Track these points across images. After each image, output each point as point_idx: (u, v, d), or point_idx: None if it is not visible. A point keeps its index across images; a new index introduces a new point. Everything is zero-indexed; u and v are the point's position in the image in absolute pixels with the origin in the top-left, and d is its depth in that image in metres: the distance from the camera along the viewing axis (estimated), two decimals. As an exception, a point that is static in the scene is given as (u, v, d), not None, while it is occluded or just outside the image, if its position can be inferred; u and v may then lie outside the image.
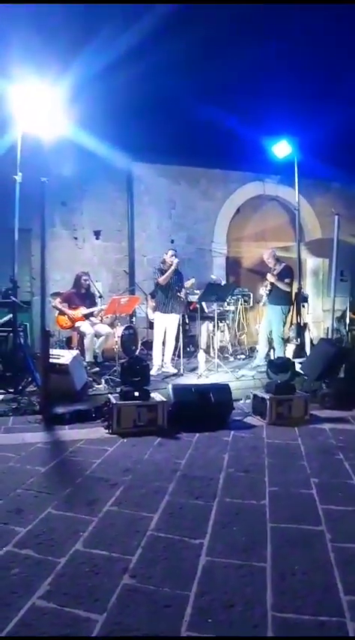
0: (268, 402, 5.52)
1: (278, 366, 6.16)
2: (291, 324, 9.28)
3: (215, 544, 2.84)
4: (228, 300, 9.84)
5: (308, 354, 8.12)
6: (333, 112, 9.17)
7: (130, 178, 11.13)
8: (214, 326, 8.79)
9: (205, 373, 7.78)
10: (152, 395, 5.41)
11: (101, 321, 8.41)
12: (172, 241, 11.30)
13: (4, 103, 6.88)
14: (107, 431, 5.13)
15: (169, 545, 2.83)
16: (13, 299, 6.91)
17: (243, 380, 7.60)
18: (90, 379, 7.07)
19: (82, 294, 8.37)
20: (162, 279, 7.97)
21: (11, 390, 6.54)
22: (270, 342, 8.83)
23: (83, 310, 8.18)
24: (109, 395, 5.68)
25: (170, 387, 5.68)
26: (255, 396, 5.89)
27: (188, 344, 9.69)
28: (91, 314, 8.28)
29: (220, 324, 9.64)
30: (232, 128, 9.53)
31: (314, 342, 8.93)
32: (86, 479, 3.86)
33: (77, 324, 8.09)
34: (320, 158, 10.41)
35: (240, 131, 9.59)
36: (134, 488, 3.65)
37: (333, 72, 9.67)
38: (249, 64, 8.72)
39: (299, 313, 9.05)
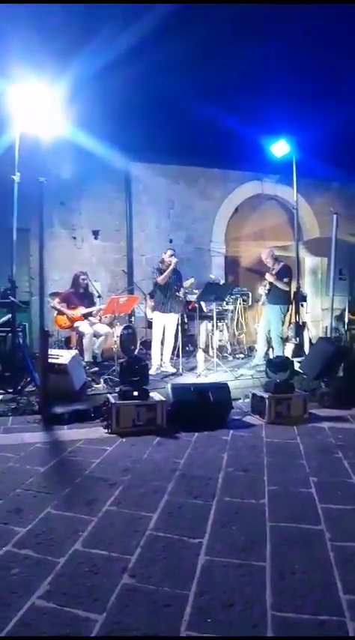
0: (267, 401, 5.52)
1: (277, 365, 6.17)
2: (290, 323, 9.29)
3: (214, 543, 2.84)
4: (226, 299, 9.83)
5: (307, 353, 8.13)
6: (332, 112, 9.17)
7: (128, 178, 11.12)
8: (213, 325, 8.79)
9: (204, 372, 7.78)
10: (151, 394, 5.41)
11: (100, 320, 8.40)
12: (171, 241, 11.30)
13: (2, 103, 6.88)
14: (106, 430, 5.13)
15: (168, 544, 2.83)
16: (12, 299, 6.90)
17: (241, 379, 7.60)
18: (89, 379, 7.07)
19: (80, 294, 8.36)
20: (160, 279, 7.97)
21: (10, 390, 6.54)
22: (269, 341, 8.84)
23: (82, 310, 8.17)
24: (108, 395, 5.69)
25: (169, 386, 5.68)
26: (253, 395, 5.90)
27: (187, 343, 9.69)
28: (90, 314, 8.27)
29: (219, 324, 9.64)
30: (231, 128, 9.53)
31: (313, 341, 8.93)
32: (85, 478, 3.86)
33: (76, 323, 8.08)
34: (318, 157, 10.42)
35: (238, 131, 9.59)
36: (133, 488, 3.65)
37: (332, 72, 9.68)
38: (248, 64, 8.72)
39: (297, 312, 9.06)
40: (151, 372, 7.31)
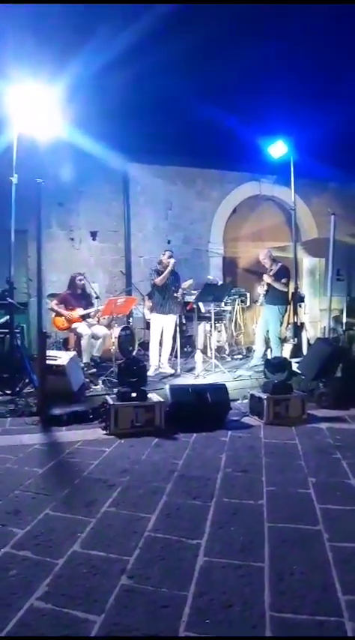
0: (265, 401, 5.52)
1: (275, 365, 6.18)
2: (288, 323, 9.30)
3: (213, 544, 2.84)
4: (224, 300, 9.84)
5: (305, 353, 8.14)
6: (329, 112, 9.18)
7: (126, 179, 11.12)
8: (211, 326, 8.79)
9: (202, 373, 7.78)
10: (149, 395, 5.41)
11: (98, 322, 8.40)
12: (169, 242, 11.30)
13: (-1, 103, 6.89)
14: (104, 432, 5.13)
15: (167, 545, 2.83)
16: (10, 300, 6.90)
17: (240, 380, 7.61)
18: (88, 380, 7.07)
19: (78, 295, 8.36)
20: (158, 280, 7.97)
21: (8, 392, 6.54)
22: (267, 341, 8.84)
23: (80, 311, 8.17)
24: (106, 396, 5.68)
25: (167, 387, 5.68)
26: (252, 395, 5.90)
27: (185, 344, 9.69)
28: (88, 315, 8.27)
29: (217, 325, 9.64)
30: (228, 128, 9.53)
31: (311, 341, 8.94)
32: (84, 480, 3.86)
33: (74, 325, 8.08)
34: (316, 158, 10.42)
35: (236, 131, 9.59)
36: (132, 489, 3.65)
37: (330, 72, 9.69)
38: (246, 65, 8.73)
39: (295, 313, 9.07)
40: (149, 373, 7.31)
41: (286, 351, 8.57)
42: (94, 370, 7.81)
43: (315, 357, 6.69)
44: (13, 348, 6.83)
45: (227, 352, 9.99)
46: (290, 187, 9.47)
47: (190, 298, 9.37)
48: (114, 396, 5.41)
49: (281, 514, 3.22)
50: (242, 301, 10.91)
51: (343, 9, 8.19)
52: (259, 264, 9.35)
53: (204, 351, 8.72)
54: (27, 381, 6.73)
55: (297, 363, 7.05)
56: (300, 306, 9.73)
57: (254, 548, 2.80)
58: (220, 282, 10.87)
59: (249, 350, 9.93)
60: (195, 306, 9.09)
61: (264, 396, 5.61)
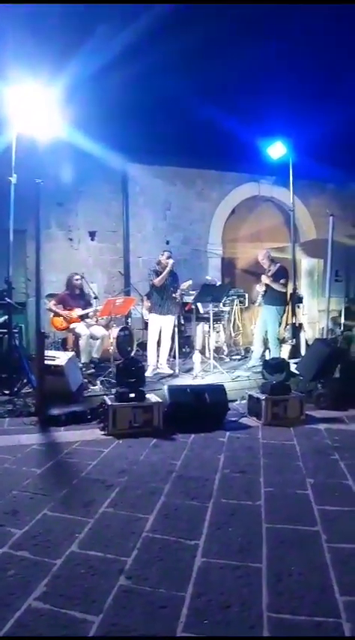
0: (263, 402, 5.53)
1: (273, 366, 6.19)
2: (286, 324, 9.30)
3: (211, 545, 2.84)
4: (223, 300, 9.84)
5: (303, 354, 8.15)
6: (328, 113, 9.18)
7: (125, 179, 11.11)
8: (209, 327, 8.79)
9: (201, 374, 7.78)
10: (147, 396, 5.41)
11: (96, 322, 8.40)
12: (167, 242, 11.29)
13: (-2, 103, 6.88)
14: (103, 432, 5.13)
15: (165, 546, 2.83)
16: (8, 300, 6.90)
17: (238, 380, 7.61)
18: (86, 380, 7.06)
19: (76, 295, 8.36)
20: (157, 281, 7.97)
21: (6, 392, 6.54)
22: (266, 342, 8.84)
23: (78, 311, 8.17)
24: (105, 396, 5.68)
25: (165, 387, 5.68)
26: (250, 396, 5.90)
27: (183, 345, 9.69)
28: (86, 315, 8.26)
29: (215, 325, 9.64)
30: (227, 129, 9.53)
31: (309, 342, 8.95)
32: (82, 480, 3.86)
33: (72, 325, 8.08)
34: (315, 159, 10.43)
35: (235, 132, 9.59)
36: (130, 490, 3.65)
37: (329, 73, 9.69)
38: (245, 65, 8.72)
39: (294, 314, 9.07)
40: (147, 373, 7.31)
41: (284, 351, 8.58)
42: (93, 370, 7.81)
43: (313, 358, 6.69)
44: (11, 348, 6.83)
45: (225, 353, 9.99)
46: (288, 188, 9.47)
47: (189, 299, 9.37)
48: (113, 396, 5.41)
49: (279, 515, 3.22)
50: (240, 302, 10.91)
51: (343, 9, 8.19)
52: (258, 265, 9.35)
53: (202, 352, 8.72)
54: (25, 381, 6.73)
55: (295, 363, 7.05)
56: (299, 306, 9.74)
57: (252, 549, 2.80)
58: (219, 283, 10.87)
59: (248, 351, 9.94)
60: (193, 306, 9.09)
61: (262, 396, 5.61)
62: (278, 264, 8.73)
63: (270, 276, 8.52)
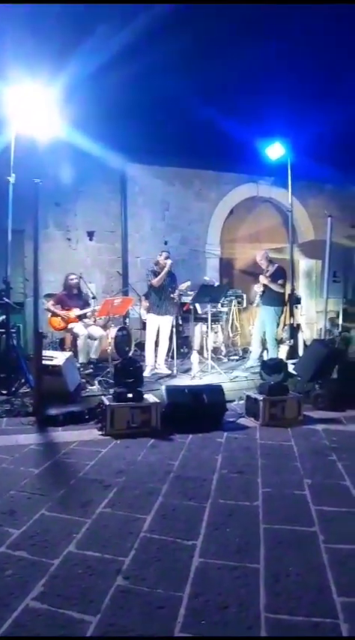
0: (261, 403, 5.53)
1: (271, 367, 6.19)
2: (284, 325, 9.31)
3: (208, 545, 2.84)
4: (221, 301, 9.84)
5: (301, 355, 8.15)
6: (327, 114, 9.19)
7: (124, 179, 11.12)
8: (208, 327, 8.79)
9: (199, 374, 7.78)
10: (145, 396, 5.41)
11: (94, 322, 8.39)
12: (166, 242, 11.29)
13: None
14: (100, 432, 5.13)
15: (162, 546, 2.83)
16: (6, 300, 6.89)
17: (236, 381, 7.61)
18: (84, 380, 7.06)
19: (74, 295, 8.36)
20: (155, 281, 7.97)
21: (4, 392, 6.53)
22: (264, 343, 8.84)
23: (76, 312, 8.16)
24: (103, 396, 5.67)
25: (163, 388, 5.68)
26: (248, 397, 5.90)
27: (181, 345, 9.69)
28: (84, 315, 8.26)
29: (213, 326, 9.64)
30: (226, 130, 9.53)
31: (307, 343, 8.96)
32: (79, 480, 3.86)
33: (70, 325, 8.08)
34: (313, 160, 10.44)
35: (233, 132, 9.59)
36: (127, 490, 3.65)
37: (327, 74, 9.70)
38: (244, 66, 8.73)
39: (292, 314, 9.08)
40: (145, 373, 7.30)
41: (282, 352, 8.59)
42: (91, 370, 7.80)
43: (311, 359, 6.70)
44: (9, 348, 6.82)
45: (223, 353, 9.99)
46: (287, 189, 9.49)
47: (187, 299, 9.37)
48: (111, 396, 5.41)
49: (276, 515, 3.23)
50: (238, 302, 10.91)
51: (342, 9, 8.19)
52: (256, 266, 9.36)
53: (200, 352, 8.73)
54: (23, 381, 6.73)
55: (293, 364, 7.07)
56: (296, 307, 9.74)
57: (249, 549, 2.80)
58: (217, 284, 10.87)
59: (246, 351, 9.93)
60: (191, 307, 9.09)
61: (260, 397, 5.62)
62: (277, 265, 8.73)
63: (268, 276, 8.52)
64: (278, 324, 8.72)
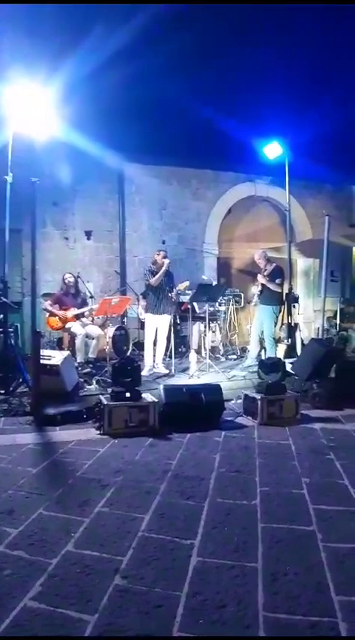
0: (259, 402, 5.53)
1: (269, 366, 6.19)
2: (282, 324, 9.31)
3: (206, 544, 2.84)
4: (219, 300, 9.84)
5: (298, 354, 8.15)
6: (325, 114, 9.21)
7: (122, 179, 11.11)
8: (205, 326, 8.79)
9: (196, 374, 7.78)
10: (143, 395, 5.41)
11: (92, 321, 8.39)
12: (163, 242, 11.29)
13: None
14: (98, 432, 5.13)
15: (160, 545, 2.83)
16: (4, 299, 6.88)
17: (234, 380, 7.61)
18: (82, 380, 7.05)
19: (71, 295, 8.35)
20: (153, 281, 7.95)
21: (2, 392, 6.52)
22: (261, 342, 8.84)
23: (73, 311, 8.16)
24: (100, 396, 5.67)
25: (161, 387, 5.68)
26: (246, 396, 5.90)
27: (179, 344, 9.69)
28: (82, 314, 8.25)
29: (211, 325, 9.64)
30: (224, 129, 9.54)
31: (305, 342, 8.96)
32: (77, 480, 3.86)
33: (68, 324, 8.07)
34: (311, 159, 10.45)
35: (231, 132, 9.60)
36: (125, 489, 3.64)
37: (325, 74, 9.71)
38: (241, 66, 8.75)
39: (290, 313, 9.08)
40: (144, 373, 7.30)
41: (280, 351, 8.58)
42: (89, 370, 7.80)
43: (309, 358, 6.71)
44: (7, 348, 6.81)
45: (221, 352, 10.00)
46: (284, 188, 9.49)
47: (185, 298, 9.37)
48: (108, 395, 5.40)
49: (274, 514, 3.23)
50: (236, 301, 10.91)
51: (339, 10, 8.21)
52: (254, 265, 9.36)
53: (198, 352, 8.73)
54: (21, 380, 6.71)
55: (291, 363, 7.07)
56: (294, 306, 9.74)
57: (247, 548, 2.80)
58: (214, 283, 10.88)
59: (243, 350, 9.94)
60: (189, 306, 9.08)
61: (258, 396, 5.62)
62: (274, 264, 8.73)
63: (266, 276, 8.52)
64: (276, 324, 8.72)
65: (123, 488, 3.67)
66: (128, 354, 8.94)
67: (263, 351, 8.82)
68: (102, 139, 9.37)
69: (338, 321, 10.06)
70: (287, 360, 7.20)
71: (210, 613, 2.22)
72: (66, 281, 8.37)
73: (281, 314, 8.87)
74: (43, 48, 7.43)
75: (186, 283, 8.82)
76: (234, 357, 9.88)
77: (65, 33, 7.67)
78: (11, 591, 2.36)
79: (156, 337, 8.14)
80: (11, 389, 6.59)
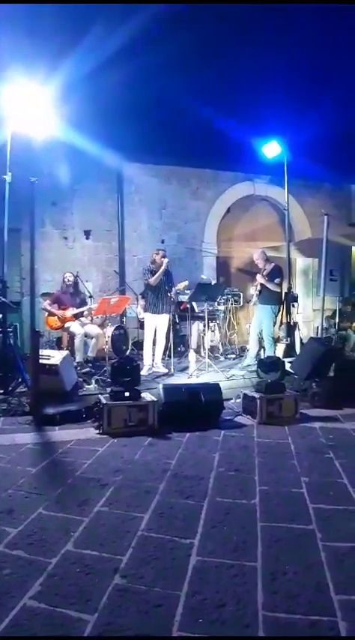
0: (258, 401, 5.53)
1: (268, 365, 6.19)
2: (281, 323, 9.31)
3: (206, 544, 2.84)
4: (218, 299, 9.84)
5: (298, 353, 8.15)
6: (324, 113, 9.21)
7: (121, 178, 11.10)
8: (205, 326, 8.79)
9: (196, 373, 7.78)
10: (142, 395, 5.41)
11: (91, 321, 8.38)
12: (163, 241, 11.29)
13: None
14: (97, 431, 5.13)
15: (160, 545, 2.83)
16: (3, 299, 6.88)
17: (233, 379, 7.61)
18: (81, 379, 7.05)
19: (70, 294, 8.35)
20: (152, 280, 7.94)
21: (1, 391, 6.52)
22: (261, 341, 8.84)
23: (72, 310, 8.15)
24: (100, 395, 5.67)
25: (160, 386, 5.68)
26: (245, 395, 5.90)
27: (179, 344, 9.69)
28: (81, 314, 8.25)
29: (211, 324, 9.64)
30: (223, 128, 9.54)
31: (304, 341, 8.96)
32: (77, 479, 3.86)
33: (67, 324, 8.07)
34: (310, 158, 10.45)
35: (230, 132, 9.60)
36: (125, 489, 3.64)
37: (324, 74, 9.72)
38: (241, 66, 8.75)
39: (289, 313, 9.08)
40: (143, 372, 7.30)
41: (279, 350, 8.58)
42: (88, 369, 7.79)
43: (308, 357, 6.71)
44: (5, 347, 6.81)
45: (220, 352, 10.00)
46: (283, 187, 9.49)
47: (184, 298, 9.37)
48: (108, 395, 5.40)
49: (274, 514, 3.23)
50: (235, 301, 10.90)
51: (339, 10, 8.21)
52: (253, 264, 9.36)
53: (197, 351, 8.72)
54: (20, 380, 6.71)
55: (290, 362, 7.07)
56: (293, 305, 9.75)
57: (247, 547, 2.80)
58: (214, 282, 10.88)
59: (243, 349, 9.94)
60: (188, 305, 9.08)
61: (257, 395, 5.62)
62: (273, 264, 8.73)
63: (265, 275, 8.52)
64: (275, 323, 8.72)
65: (122, 487, 3.67)
66: (127, 353, 8.94)
67: (262, 350, 8.82)
68: (102, 139, 9.36)
69: (337, 320, 10.05)
70: (286, 360, 7.19)
71: (209, 612, 2.22)
72: (66, 280, 8.37)
73: (280, 313, 8.87)
74: (42, 47, 7.42)
75: (185, 283, 8.82)
76: (233, 356, 9.88)
77: (65, 33, 7.67)
78: (11, 591, 2.36)
79: (155, 337, 8.14)
80: (10, 389, 6.59)
